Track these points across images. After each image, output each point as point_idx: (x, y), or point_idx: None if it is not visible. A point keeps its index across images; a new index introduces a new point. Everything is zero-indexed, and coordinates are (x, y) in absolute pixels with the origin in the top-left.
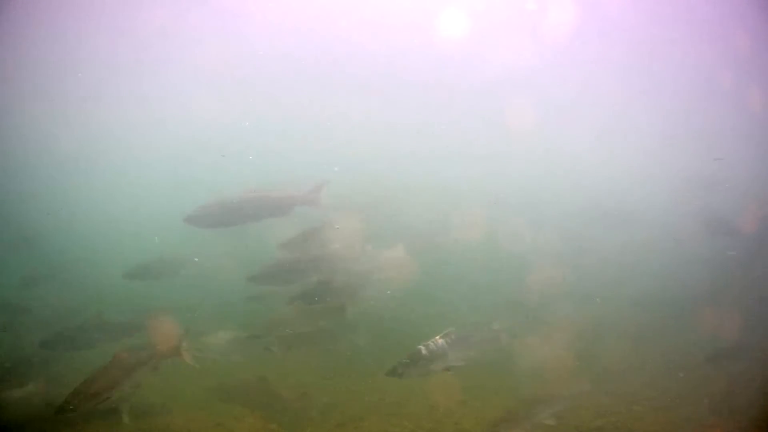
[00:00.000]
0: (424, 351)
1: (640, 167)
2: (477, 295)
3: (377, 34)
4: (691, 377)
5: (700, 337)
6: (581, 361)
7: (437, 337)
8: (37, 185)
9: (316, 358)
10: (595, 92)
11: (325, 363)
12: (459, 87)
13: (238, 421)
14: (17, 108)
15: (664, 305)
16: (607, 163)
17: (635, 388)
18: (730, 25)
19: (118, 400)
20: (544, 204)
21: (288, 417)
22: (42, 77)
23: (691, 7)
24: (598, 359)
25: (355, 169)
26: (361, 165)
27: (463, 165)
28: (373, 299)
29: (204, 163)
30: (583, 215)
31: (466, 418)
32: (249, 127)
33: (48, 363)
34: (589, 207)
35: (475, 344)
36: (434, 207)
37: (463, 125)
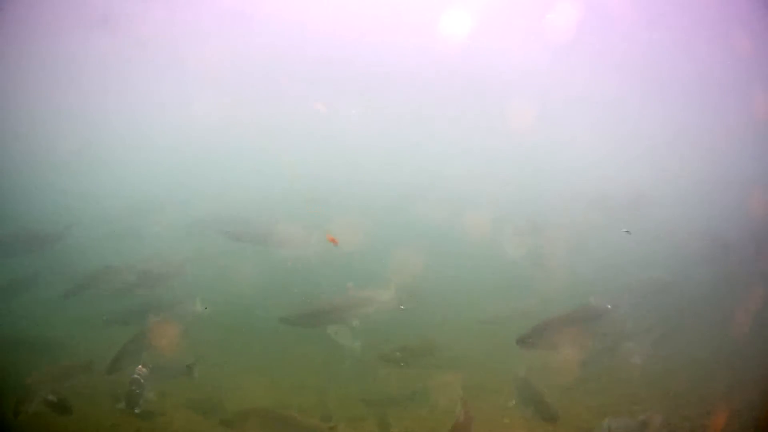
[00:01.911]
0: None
1: (640, 165)
2: None
3: (379, 32)
4: (691, 377)
5: (701, 336)
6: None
7: (141, 365)
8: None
9: (316, 358)
10: (593, 92)
11: (325, 364)
12: (459, 85)
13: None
14: (17, 107)
15: (664, 305)
16: (608, 161)
17: (636, 389)
18: (730, 24)
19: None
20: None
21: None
22: (42, 76)
23: (691, 6)
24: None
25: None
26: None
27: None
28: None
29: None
30: (585, 215)
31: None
32: (253, 129)
33: None
34: (590, 206)
35: (168, 379)
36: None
37: (464, 123)
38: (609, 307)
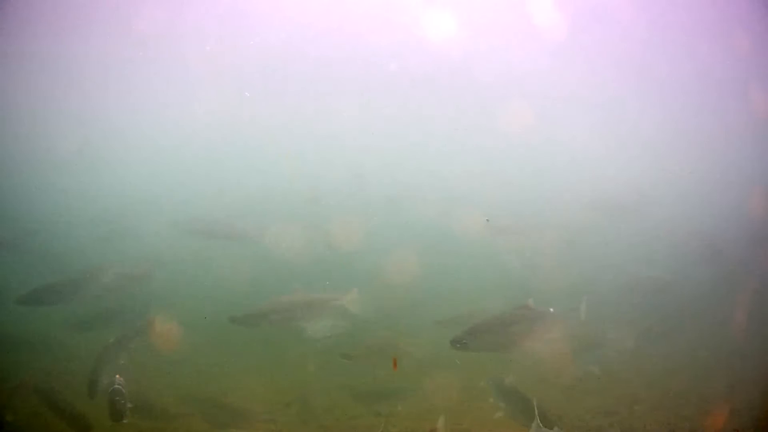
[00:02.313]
0: None
1: (640, 166)
2: None
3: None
4: (691, 377)
5: (701, 336)
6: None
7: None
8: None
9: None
10: (592, 92)
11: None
12: (458, 85)
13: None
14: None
15: (663, 305)
16: (607, 162)
17: (636, 389)
18: (730, 24)
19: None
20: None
21: (289, 418)
22: (42, 75)
23: (691, 6)
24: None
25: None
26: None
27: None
28: None
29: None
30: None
31: (466, 418)
32: (250, 128)
33: None
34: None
35: None
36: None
37: (463, 123)
38: (551, 310)
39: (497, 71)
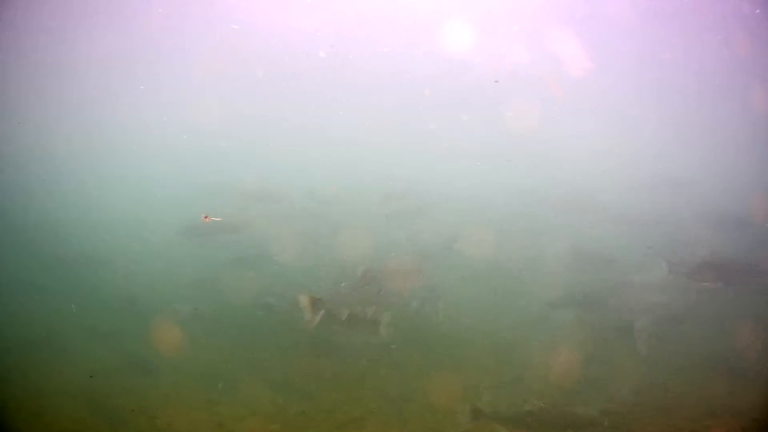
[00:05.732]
0: None
1: (640, 167)
2: None
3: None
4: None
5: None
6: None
7: None
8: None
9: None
10: (594, 92)
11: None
12: (459, 87)
13: (239, 422)
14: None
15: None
16: (607, 162)
17: (636, 389)
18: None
19: None
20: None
21: (289, 418)
22: (42, 76)
23: (692, 6)
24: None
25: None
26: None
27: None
28: None
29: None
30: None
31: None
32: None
33: None
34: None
35: None
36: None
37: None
38: None
39: (499, 74)
